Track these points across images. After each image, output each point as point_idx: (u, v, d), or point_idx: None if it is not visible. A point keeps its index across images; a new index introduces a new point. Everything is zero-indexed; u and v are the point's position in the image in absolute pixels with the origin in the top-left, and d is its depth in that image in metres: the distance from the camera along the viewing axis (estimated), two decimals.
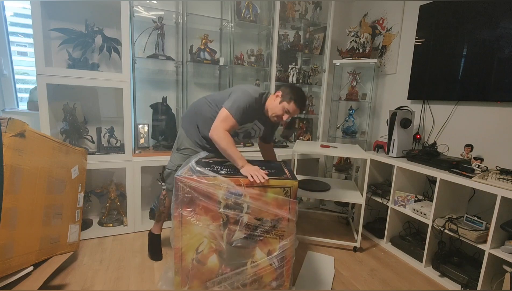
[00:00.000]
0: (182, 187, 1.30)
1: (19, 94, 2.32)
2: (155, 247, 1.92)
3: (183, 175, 1.32)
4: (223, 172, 1.39)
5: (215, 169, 1.44)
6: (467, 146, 1.94)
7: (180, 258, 1.38)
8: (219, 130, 1.49)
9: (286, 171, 1.51)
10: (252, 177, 1.33)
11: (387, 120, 2.26)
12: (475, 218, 1.68)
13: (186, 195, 1.31)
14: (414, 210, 1.97)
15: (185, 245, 1.36)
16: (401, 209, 2.08)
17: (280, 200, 1.34)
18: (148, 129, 2.38)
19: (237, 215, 1.34)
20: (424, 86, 2.29)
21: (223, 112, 1.52)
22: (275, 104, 1.59)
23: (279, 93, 1.60)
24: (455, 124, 2.13)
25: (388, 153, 2.26)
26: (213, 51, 2.48)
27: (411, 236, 2.15)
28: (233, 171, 1.42)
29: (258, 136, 1.85)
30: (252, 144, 2.70)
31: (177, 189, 1.31)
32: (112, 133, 2.27)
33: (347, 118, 2.89)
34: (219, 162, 1.61)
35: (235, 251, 1.38)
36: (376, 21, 2.78)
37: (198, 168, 1.38)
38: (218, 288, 1.41)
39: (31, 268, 1.40)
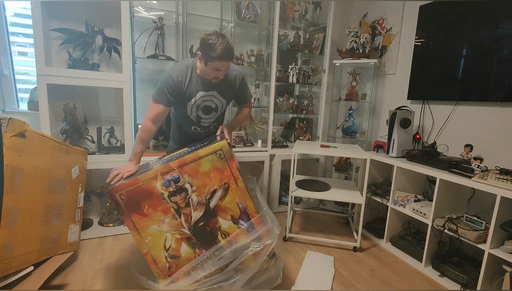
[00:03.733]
0: (118, 198, 1.29)
1: (19, 94, 2.33)
2: None
3: (115, 186, 1.30)
4: (156, 166, 1.36)
5: (150, 166, 1.41)
6: (467, 145, 1.94)
7: (154, 262, 1.38)
8: (142, 122, 1.55)
9: (218, 138, 1.46)
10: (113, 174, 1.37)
11: (387, 120, 2.26)
12: (475, 218, 1.69)
13: (126, 203, 1.30)
14: (414, 210, 1.97)
15: (151, 248, 1.36)
16: (401, 209, 2.08)
17: (218, 165, 1.33)
18: None
19: (184, 197, 1.33)
20: (424, 86, 2.29)
21: (150, 103, 1.55)
22: (203, 68, 1.47)
23: (199, 54, 1.44)
24: (455, 124, 2.13)
25: (388, 152, 2.26)
26: None
27: (411, 236, 2.15)
28: (170, 159, 1.37)
29: (227, 104, 1.71)
30: (252, 144, 2.70)
31: (116, 203, 1.30)
32: (113, 134, 2.27)
33: (347, 118, 2.89)
34: (171, 154, 1.57)
35: (201, 231, 1.37)
36: (376, 21, 2.78)
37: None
38: (204, 272, 1.38)
39: (31, 268, 1.40)
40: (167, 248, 1.37)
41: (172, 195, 1.33)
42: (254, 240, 1.40)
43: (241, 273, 1.40)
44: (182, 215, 1.35)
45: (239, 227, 1.39)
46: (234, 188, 1.36)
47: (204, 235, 1.38)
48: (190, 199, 1.34)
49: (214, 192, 1.35)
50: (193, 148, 1.45)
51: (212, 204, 1.36)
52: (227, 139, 1.42)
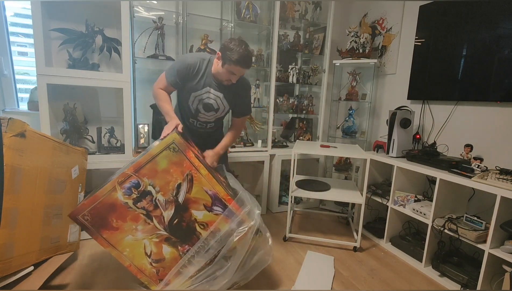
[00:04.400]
0: (82, 220, 1.27)
1: (19, 94, 2.33)
2: None
3: (74, 209, 1.28)
4: (113, 177, 1.34)
5: (108, 179, 1.40)
6: (467, 145, 1.94)
7: (140, 272, 1.36)
8: (153, 89, 1.63)
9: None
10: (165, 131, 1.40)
11: (387, 120, 2.26)
12: (475, 218, 1.69)
13: (92, 222, 1.28)
14: (414, 209, 1.97)
15: (132, 259, 1.34)
16: (401, 209, 2.08)
17: (175, 159, 1.30)
18: (148, 129, 2.38)
19: (150, 200, 1.31)
20: (424, 86, 2.29)
21: (160, 75, 1.60)
22: (219, 69, 1.52)
23: (219, 55, 1.50)
24: (455, 124, 2.13)
25: (388, 152, 2.26)
26: (213, 52, 2.48)
27: (411, 236, 2.15)
28: (122, 169, 1.35)
29: (228, 110, 1.74)
30: (252, 144, 2.70)
31: (81, 225, 1.27)
32: (113, 134, 2.27)
33: (347, 118, 2.89)
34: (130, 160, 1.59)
35: (178, 228, 1.35)
36: (376, 21, 2.78)
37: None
38: (194, 268, 1.38)
39: (31, 268, 1.40)
40: (148, 254, 1.35)
41: (137, 201, 1.30)
42: (236, 225, 1.38)
43: (232, 260, 1.40)
44: (153, 218, 1.32)
45: (215, 214, 1.36)
46: (198, 177, 1.32)
47: (182, 231, 1.36)
48: (157, 200, 1.31)
49: (179, 186, 1.32)
50: (147, 148, 1.43)
51: (180, 199, 1.33)
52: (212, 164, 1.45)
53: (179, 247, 1.37)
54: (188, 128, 1.77)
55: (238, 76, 1.53)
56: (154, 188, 1.30)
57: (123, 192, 1.28)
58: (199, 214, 1.35)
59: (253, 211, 1.41)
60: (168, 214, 1.33)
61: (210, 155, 1.64)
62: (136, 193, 1.29)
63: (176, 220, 1.34)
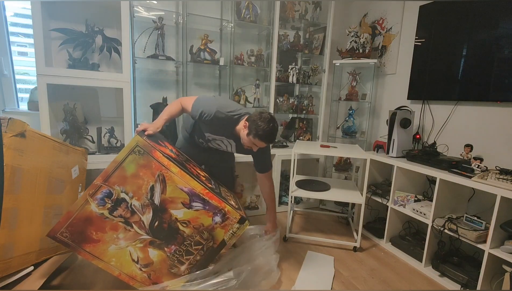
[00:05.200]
0: (61, 237, 1.26)
1: (19, 94, 2.33)
2: None
3: (53, 228, 1.26)
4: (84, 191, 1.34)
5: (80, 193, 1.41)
6: (467, 145, 1.94)
7: (131, 279, 1.36)
8: (176, 100, 1.66)
9: None
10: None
11: (387, 120, 2.26)
12: (475, 218, 1.69)
13: (72, 238, 1.27)
14: (414, 210, 1.97)
15: (121, 267, 1.34)
16: (401, 209, 2.08)
17: (142, 161, 1.28)
18: None
19: (126, 207, 1.29)
20: (424, 86, 2.29)
21: (193, 98, 1.61)
22: (244, 135, 1.54)
23: (246, 124, 1.52)
24: (455, 124, 2.13)
25: (388, 153, 2.26)
26: (213, 52, 2.48)
27: (411, 236, 2.15)
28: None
29: (235, 152, 1.79)
30: None
31: (62, 243, 1.27)
32: (113, 134, 2.27)
33: (347, 118, 2.89)
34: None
35: (160, 230, 1.34)
36: (376, 21, 2.78)
37: None
38: (184, 266, 1.39)
39: (31, 268, 1.40)
40: (136, 260, 1.35)
41: (113, 210, 1.29)
42: (220, 218, 1.38)
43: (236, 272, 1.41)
44: (133, 224, 1.31)
45: (196, 210, 1.35)
46: (169, 175, 1.31)
47: (164, 232, 1.35)
48: (132, 206, 1.30)
49: (152, 188, 1.31)
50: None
51: (156, 201, 1.32)
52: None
53: (165, 248, 1.37)
54: (195, 144, 1.82)
55: (258, 147, 1.56)
56: (127, 194, 1.29)
57: (97, 203, 1.27)
58: (179, 212, 1.35)
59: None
60: (147, 217, 1.32)
61: (269, 228, 1.73)
62: (109, 202, 1.28)
63: (157, 222, 1.33)
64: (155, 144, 1.33)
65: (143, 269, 1.36)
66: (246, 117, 1.55)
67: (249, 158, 2.58)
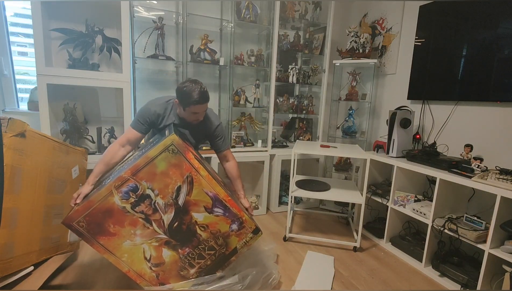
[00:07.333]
0: (76, 226, 1.22)
1: (19, 94, 2.33)
2: None
3: (68, 215, 1.23)
4: (108, 180, 1.29)
5: (103, 183, 1.35)
6: (467, 145, 1.94)
7: (139, 277, 1.34)
8: (109, 146, 1.54)
9: (167, 133, 1.40)
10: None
11: (387, 120, 2.26)
12: (475, 218, 1.69)
13: (88, 228, 1.24)
14: (414, 210, 1.97)
15: (131, 264, 1.31)
16: (401, 209, 2.08)
17: (174, 161, 1.26)
18: None
19: (149, 204, 1.27)
20: (424, 86, 2.29)
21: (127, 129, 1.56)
22: (182, 112, 1.51)
23: (176, 101, 1.50)
24: (455, 124, 2.13)
25: (388, 153, 2.26)
26: (213, 51, 2.48)
27: (411, 236, 2.15)
28: (122, 169, 1.30)
29: (198, 144, 1.75)
30: (252, 144, 2.71)
31: (76, 232, 1.23)
32: (113, 133, 2.27)
33: (347, 118, 2.89)
34: (123, 161, 1.53)
35: (178, 231, 1.33)
36: (376, 21, 2.78)
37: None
38: (194, 269, 1.38)
39: (32, 268, 1.40)
40: (148, 258, 1.32)
41: (135, 206, 1.26)
42: (237, 226, 1.38)
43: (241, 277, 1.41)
44: (153, 222, 1.29)
45: (216, 216, 1.35)
46: (198, 178, 1.30)
47: (182, 234, 1.34)
48: (156, 204, 1.28)
49: (179, 189, 1.29)
50: (143, 150, 1.37)
51: (180, 202, 1.30)
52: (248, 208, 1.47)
53: (180, 250, 1.36)
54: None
55: (202, 113, 1.53)
56: (153, 191, 1.27)
57: (120, 196, 1.24)
58: (199, 216, 1.34)
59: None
60: (168, 217, 1.31)
61: (247, 205, 1.61)
62: (134, 196, 1.25)
63: (176, 223, 1.32)
64: (187, 146, 1.32)
65: (153, 268, 1.34)
66: (174, 100, 1.54)
67: (249, 158, 2.60)
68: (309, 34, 2.89)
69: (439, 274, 1.85)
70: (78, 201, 1.29)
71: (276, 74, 2.61)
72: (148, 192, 1.27)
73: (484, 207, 1.83)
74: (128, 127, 1.57)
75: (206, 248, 1.39)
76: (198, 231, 1.36)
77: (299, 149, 2.18)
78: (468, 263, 1.80)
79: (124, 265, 1.31)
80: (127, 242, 1.29)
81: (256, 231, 1.43)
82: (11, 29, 2.22)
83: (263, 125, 2.75)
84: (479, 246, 1.59)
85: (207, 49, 2.45)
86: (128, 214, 1.26)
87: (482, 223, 1.64)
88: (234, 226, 1.39)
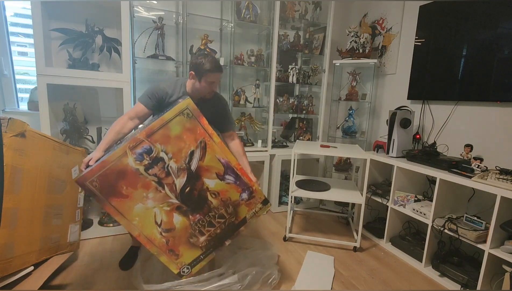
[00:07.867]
0: (90, 186, 1.20)
1: (19, 94, 2.33)
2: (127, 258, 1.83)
3: (81, 175, 1.20)
4: (124, 141, 1.28)
5: (115, 147, 1.33)
6: (467, 145, 1.94)
7: (149, 242, 1.31)
8: (118, 119, 1.56)
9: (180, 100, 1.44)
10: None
11: (387, 120, 2.26)
12: (475, 218, 1.69)
13: (101, 188, 1.21)
14: (414, 210, 1.97)
15: (142, 228, 1.29)
16: (401, 209, 2.08)
17: (189, 125, 1.27)
18: None
19: (162, 167, 1.26)
20: (424, 86, 2.29)
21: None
22: (198, 86, 1.55)
23: (192, 73, 1.55)
24: (455, 124, 2.13)
25: (388, 153, 2.26)
26: (213, 51, 2.48)
27: (411, 236, 2.15)
28: (131, 136, 1.32)
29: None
30: (252, 144, 2.71)
31: (89, 191, 1.21)
32: None
33: (347, 118, 2.89)
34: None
35: (190, 196, 1.32)
36: (376, 21, 2.78)
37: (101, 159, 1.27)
38: (204, 237, 1.38)
39: (32, 268, 1.40)
40: (159, 223, 1.30)
41: (149, 168, 1.25)
42: (244, 191, 1.39)
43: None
44: (165, 186, 1.28)
45: (227, 183, 1.35)
46: (211, 144, 1.30)
47: (193, 199, 1.33)
48: (169, 167, 1.27)
49: (192, 153, 1.29)
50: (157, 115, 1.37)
51: (193, 167, 1.30)
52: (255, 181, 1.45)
53: (190, 216, 1.34)
54: None
55: (217, 83, 1.59)
56: (166, 154, 1.26)
57: (135, 158, 1.22)
58: (211, 182, 1.34)
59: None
60: (180, 181, 1.30)
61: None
62: (148, 159, 1.24)
63: (188, 188, 1.31)
64: (200, 112, 1.32)
65: (163, 233, 1.32)
66: (189, 73, 1.57)
67: (249, 158, 2.57)
68: (309, 34, 2.89)
69: (439, 274, 1.85)
70: (91, 163, 1.29)
71: (276, 74, 2.61)
72: (162, 155, 1.26)
73: (484, 207, 1.83)
74: (133, 106, 1.61)
75: (216, 215, 1.38)
76: (209, 197, 1.35)
77: (299, 149, 2.18)
78: (468, 263, 1.80)
79: (135, 229, 1.28)
80: (138, 205, 1.27)
81: (265, 202, 1.43)
82: (11, 29, 2.22)
83: (263, 125, 2.75)
84: (479, 246, 1.59)
85: (207, 49, 2.45)
86: (141, 176, 1.25)
87: (482, 223, 1.64)
88: (244, 195, 1.39)
